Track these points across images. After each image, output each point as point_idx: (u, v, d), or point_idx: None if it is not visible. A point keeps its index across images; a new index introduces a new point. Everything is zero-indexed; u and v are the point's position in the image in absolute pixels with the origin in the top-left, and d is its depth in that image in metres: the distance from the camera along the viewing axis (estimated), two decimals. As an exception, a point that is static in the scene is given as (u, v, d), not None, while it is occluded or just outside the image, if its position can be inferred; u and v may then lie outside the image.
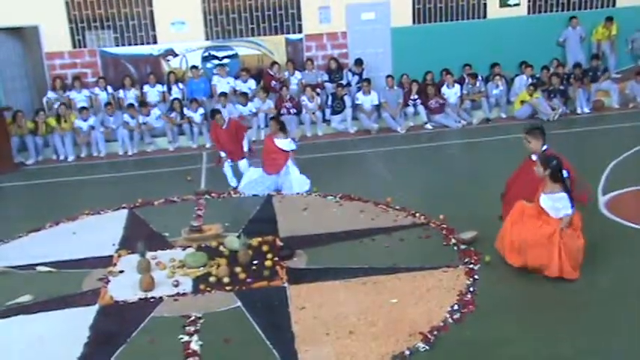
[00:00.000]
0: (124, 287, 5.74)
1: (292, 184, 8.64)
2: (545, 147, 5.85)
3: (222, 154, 9.19)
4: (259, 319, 5.01)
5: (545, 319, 4.84)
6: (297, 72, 13.54)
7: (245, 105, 12.65)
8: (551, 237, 5.32)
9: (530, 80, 13.39)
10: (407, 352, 4.39)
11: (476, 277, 5.55)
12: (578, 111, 13.24)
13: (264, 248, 6.41)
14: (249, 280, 5.74)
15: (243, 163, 9.19)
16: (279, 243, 6.63)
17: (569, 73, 13.73)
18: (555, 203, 5.36)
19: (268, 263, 6.02)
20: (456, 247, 6.25)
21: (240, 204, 8.45)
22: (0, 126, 11.37)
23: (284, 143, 8.80)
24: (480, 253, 5.96)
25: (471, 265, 5.77)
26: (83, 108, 12.36)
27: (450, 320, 4.82)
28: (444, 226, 6.83)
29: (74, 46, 13.35)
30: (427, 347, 4.46)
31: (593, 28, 14.52)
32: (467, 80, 13.54)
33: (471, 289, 5.32)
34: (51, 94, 12.93)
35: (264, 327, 4.88)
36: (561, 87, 13.21)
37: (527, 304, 5.14)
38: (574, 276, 5.35)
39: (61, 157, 12.11)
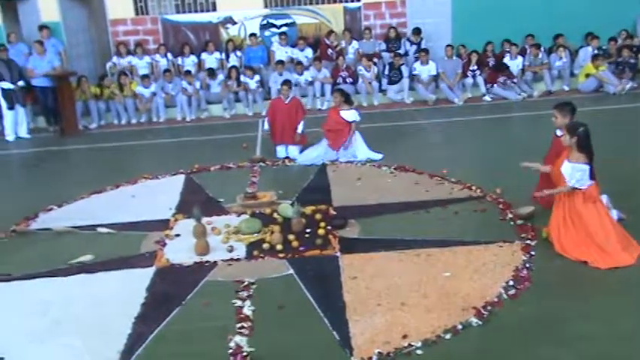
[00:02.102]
0: (179, 251, 5.86)
1: (356, 151, 8.59)
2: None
3: (267, 128, 9.11)
4: (311, 287, 5.04)
5: (603, 296, 4.73)
6: (354, 41, 13.38)
7: (301, 74, 12.61)
8: (589, 234, 5.22)
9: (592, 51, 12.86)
10: (459, 327, 4.35)
11: (532, 253, 5.43)
12: (649, 84, 12.68)
13: (317, 217, 6.43)
14: (301, 248, 5.77)
15: (293, 151, 9.01)
16: (332, 212, 6.63)
17: (638, 45, 13.12)
18: (575, 173, 5.22)
19: (321, 232, 6.04)
20: (512, 222, 6.12)
21: (294, 172, 8.48)
22: (66, 91, 11.69)
23: (349, 114, 8.73)
24: (537, 229, 5.81)
25: (528, 241, 5.64)
26: (145, 76, 12.58)
27: (504, 296, 4.73)
28: (501, 200, 6.69)
29: (137, 14, 13.56)
30: (480, 322, 4.40)
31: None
32: (529, 51, 13.11)
33: (527, 265, 5.21)
34: (115, 60, 13.20)
35: (315, 295, 4.91)
36: (631, 60, 12.63)
37: (586, 281, 4.99)
38: (626, 259, 5.15)
39: (123, 122, 12.40)
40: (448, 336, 4.26)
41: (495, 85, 12.59)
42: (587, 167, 5.22)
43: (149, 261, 5.70)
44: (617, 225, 5.41)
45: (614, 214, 5.61)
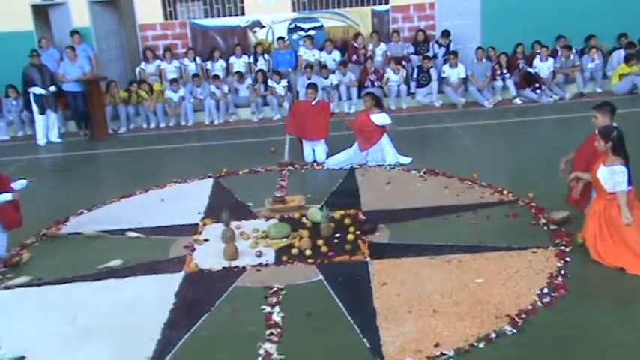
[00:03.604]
0: (208, 255, 5.85)
1: (385, 155, 8.53)
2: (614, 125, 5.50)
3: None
4: (340, 293, 4.99)
5: (641, 306, 4.59)
6: (382, 44, 13.30)
7: (327, 77, 12.57)
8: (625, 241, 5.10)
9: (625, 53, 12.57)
10: (493, 335, 4.25)
11: (567, 259, 5.31)
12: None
13: (347, 221, 6.38)
14: (330, 253, 5.72)
15: (320, 149, 8.95)
16: (361, 217, 6.57)
17: (675, 45, 12.82)
18: (613, 176, 5.08)
19: (350, 237, 5.98)
20: (546, 227, 6.00)
21: (322, 176, 8.43)
22: (96, 95, 11.81)
23: (380, 118, 8.66)
24: (571, 234, 5.68)
25: (562, 247, 5.52)
26: (173, 80, 12.66)
27: (539, 304, 4.63)
28: (533, 204, 6.56)
29: (165, 18, 13.64)
30: (515, 331, 4.31)
31: None
32: (560, 53, 12.89)
33: (562, 271, 5.09)
34: (143, 65, 13.31)
35: (345, 301, 4.85)
36: (666, 61, 12.34)
37: (623, 288, 4.87)
38: None
39: (152, 126, 12.49)
40: (481, 345, 4.17)
41: (525, 89, 12.40)
42: (623, 168, 5.08)
43: (178, 266, 5.70)
44: None
45: None
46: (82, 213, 7.39)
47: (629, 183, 5.16)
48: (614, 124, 5.40)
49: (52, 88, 11.74)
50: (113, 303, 5.10)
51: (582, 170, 5.59)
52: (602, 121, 5.63)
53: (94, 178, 9.39)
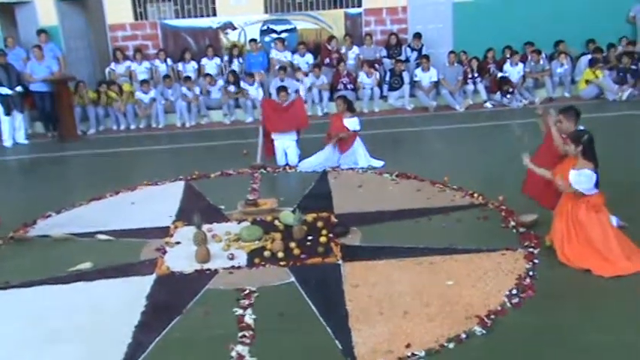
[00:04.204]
0: (180, 258, 5.81)
1: (357, 158, 8.56)
2: (581, 128, 5.62)
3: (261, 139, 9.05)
4: (313, 296, 4.99)
5: (607, 305, 4.68)
6: (355, 47, 13.37)
7: (299, 80, 12.58)
8: (591, 242, 5.21)
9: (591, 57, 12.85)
10: (463, 336, 4.30)
11: (536, 261, 5.38)
12: (648, 92, 12.67)
13: (319, 224, 6.39)
14: (303, 255, 5.72)
15: (292, 151, 8.90)
16: (333, 219, 6.59)
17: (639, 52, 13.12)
18: (580, 178, 5.19)
19: (323, 239, 5.99)
20: (515, 230, 6.08)
21: (295, 179, 8.44)
22: (64, 95, 11.66)
23: (351, 122, 8.68)
24: (540, 237, 5.77)
25: (531, 249, 5.60)
26: (144, 81, 12.55)
27: (508, 305, 4.69)
28: (503, 207, 6.65)
29: (136, 18, 13.54)
30: (484, 331, 4.35)
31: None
32: (530, 58, 13.10)
33: (531, 273, 5.16)
34: (113, 66, 13.17)
35: (317, 303, 4.86)
36: (632, 66, 12.62)
37: (589, 290, 4.95)
38: (629, 268, 5.10)
39: (122, 128, 12.36)
40: (452, 345, 4.21)
41: (496, 93, 12.58)
42: (592, 173, 5.18)
43: (149, 269, 5.65)
44: (620, 234, 5.37)
45: (614, 220, 5.58)
46: (50, 216, 7.28)
47: (597, 186, 5.26)
48: (584, 128, 5.49)
49: (19, 89, 11.56)
50: (83, 306, 5.03)
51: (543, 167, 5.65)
52: (568, 125, 5.74)
53: (63, 180, 9.26)
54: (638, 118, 11.01)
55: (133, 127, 12.41)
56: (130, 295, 5.15)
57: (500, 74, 12.71)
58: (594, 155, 5.24)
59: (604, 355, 4.04)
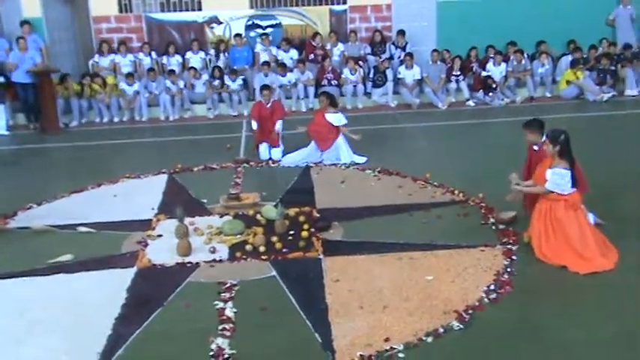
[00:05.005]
0: (161, 251, 5.82)
1: (340, 154, 8.60)
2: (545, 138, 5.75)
3: (255, 127, 9.10)
4: (293, 290, 5.03)
5: (582, 301, 4.77)
6: (339, 43, 13.41)
7: (284, 75, 12.60)
8: (568, 240, 5.30)
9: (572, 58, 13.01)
10: (441, 330, 4.36)
11: (514, 257, 5.46)
12: (627, 93, 12.84)
13: (301, 219, 6.42)
14: (284, 250, 5.76)
15: (276, 153, 8.97)
16: (315, 214, 6.62)
17: (619, 54, 13.29)
18: (556, 178, 5.30)
19: (304, 234, 6.03)
20: (494, 227, 6.16)
21: (278, 174, 8.46)
22: (47, 88, 11.57)
23: (335, 118, 8.72)
24: (518, 234, 5.86)
25: (509, 246, 5.68)
26: (129, 74, 12.49)
27: (486, 300, 4.76)
28: (483, 204, 6.73)
29: (120, 11, 13.46)
30: (461, 326, 4.42)
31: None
32: (512, 57, 13.22)
33: (509, 269, 5.24)
34: (97, 58, 13.09)
35: (298, 297, 4.90)
36: (611, 68, 12.80)
37: (565, 286, 5.04)
38: (605, 265, 5.21)
39: (105, 120, 12.30)
40: (430, 339, 4.27)
41: (479, 91, 12.68)
42: (567, 172, 5.28)
43: (130, 261, 5.65)
44: (596, 232, 5.48)
45: (591, 217, 5.68)
46: (30, 207, 7.24)
47: (574, 185, 5.36)
48: (564, 130, 5.57)
49: (1, 79, 11.45)
50: (63, 298, 5.02)
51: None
52: (534, 137, 5.95)
53: (44, 172, 9.19)
54: (617, 118, 11.16)
55: (116, 119, 12.36)
56: (110, 288, 5.15)
57: (484, 73, 12.82)
58: (570, 154, 5.35)
59: (577, 351, 4.12)
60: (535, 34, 13.55)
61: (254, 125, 9.15)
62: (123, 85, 12.35)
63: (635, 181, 7.33)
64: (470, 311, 4.59)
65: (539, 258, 5.39)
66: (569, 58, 13.17)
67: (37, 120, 11.80)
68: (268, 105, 9.17)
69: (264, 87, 9.50)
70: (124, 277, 5.34)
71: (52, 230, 6.49)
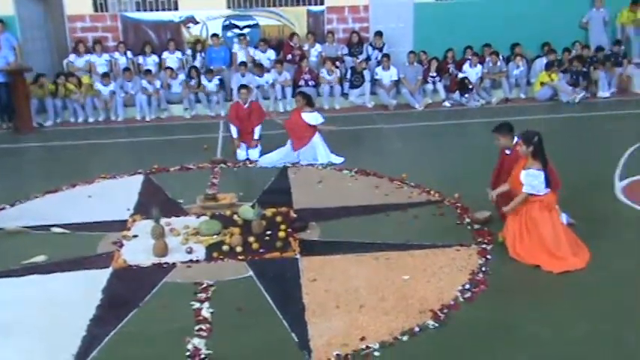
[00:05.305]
0: (137, 252, 5.78)
1: (317, 154, 8.62)
2: (515, 140, 5.85)
3: (235, 135, 9.10)
4: (270, 290, 5.03)
5: (557, 300, 4.85)
6: (317, 44, 13.43)
7: (261, 76, 12.59)
8: (542, 240, 5.38)
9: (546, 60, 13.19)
10: (416, 329, 4.40)
11: (488, 256, 5.53)
12: (600, 94, 13.05)
13: (278, 219, 6.43)
14: (261, 250, 5.76)
15: (253, 153, 8.97)
16: (292, 214, 6.63)
17: (591, 56, 13.50)
18: (530, 179, 5.38)
19: (281, 234, 6.04)
20: (469, 227, 6.23)
21: (255, 174, 8.45)
22: (20, 87, 11.41)
23: (311, 117, 8.73)
24: (493, 233, 5.93)
25: (484, 245, 5.75)
26: (104, 74, 12.38)
27: (461, 299, 4.81)
28: (459, 204, 6.80)
29: (96, 10, 13.32)
30: (437, 325, 4.47)
31: (617, 11, 14.19)
32: (488, 59, 13.36)
33: (484, 268, 5.31)
34: (71, 57, 12.95)
35: (274, 297, 4.90)
36: (584, 69, 13.00)
37: (540, 285, 5.12)
38: (577, 264, 5.31)
39: (80, 120, 12.18)
40: (405, 338, 4.31)
41: (455, 92, 12.80)
42: (540, 173, 5.37)
43: (105, 262, 5.61)
44: (568, 231, 5.57)
45: (564, 218, 5.78)
46: (3, 208, 7.15)
47: (547, 186, 5.44)
48: (537, 131, 5.66)
49: (-27, 78, 11.28)
50: (37, 299, 4.97)
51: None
52: (505, 141, 6.03)
53: (17, 172, 9.07)
54: (590, 119, 11.34)
55: (91, 119, 12.23)
56: (85, 289, 5.11)
57: (460, 74, 12.93)
58: (543, 155, 5.44)
59: (549, 348, 4.19)
60: (510, 37, 13.69)
61: (234, 133, 9.10)
62: (98, 86, 12.23)
63: (605, 182, 7.46)
64: (445, 310, 4.64)
65: (514, 257, 5.47)
66: (544, 60, 13.35)
67: (11, 120, 11.63)
68: (246, 105, 9.15)
69: (242, 87, 9.48)
70: (100, 278, 5.30)
71: (26, 231, 6.41)
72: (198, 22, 13.59)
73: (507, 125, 6.13)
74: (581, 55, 13.30)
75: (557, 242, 5.37)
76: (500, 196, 5.85)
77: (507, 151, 6.08)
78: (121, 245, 5.97)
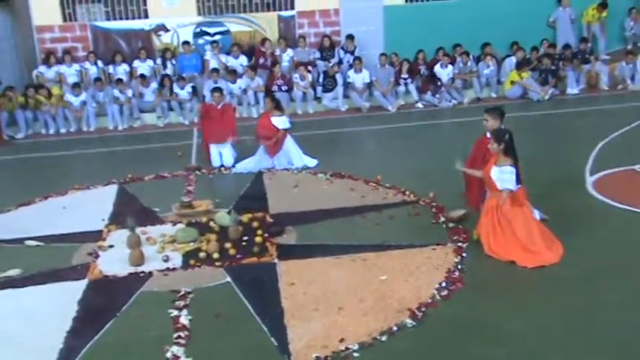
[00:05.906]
0: (113, 262, 5.74)
1: (292, 157, 8.64)
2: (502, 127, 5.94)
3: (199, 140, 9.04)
4: (249, 295, 5.04)
5: (530, 295, 4.95)
6: (289, 49, 13.45)
7: (234, 82, 12.56)
8: (515, 235, 5.47)
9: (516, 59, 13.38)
10: (395, 328, 4.44)
11: (464, 254, 5.60)
12: (569, 91, 13.26)
13: (255, 224, 6.43)
14: (238, 255, 5.75)
15: (227, 152, 8.92)
16: (269, 219, 6.64)
17: (559, 54, 13.72)
18: (503, 175, 5.47)
19: (258, 239, 6.04)
20: (445, 225, 6.29)
21: (230, 180, 8.44)
22: (-11, 100, 11.26)
23: (280, 121, 8.75)
24: (468, 231, 6.00)
25: (460, 243, 5.82)
26: (75, 84, 12.25)
27: (438, 297, 4.87)
28: (434, 204, 6.86)
29: (65, 20, 13.17)
30: (415, 323, 4.51)
31: (583, 10, 14.46)
32: (459, 59, 13.50)
33: (459, 266, 5.37)
34: (41, 69, 12.80)
35: (253, 302, 4.91)
36: (552, 67, 13.20)
37: (515, 281, 5.20)
38: (551, 258, 5.40)
39: (51, 132, 12.04)
40: (384, 338, 4.35)
41: (427, 93, 12.91)
42: (512, 169, 5.45)
43: (81, 273, 5.56)
44: (541, 226, 5.67)
45: (537, 214, 5.87)
46: (-24, 222, 7.05)
47: (518, 182, 5.53)
48: (505, 128, 5.78)
49: (-59, 92, 11.09)
50: (12, 313, 4.92)
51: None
52: (493, 123, 6.04)
53: (-11, 186, 8.95)
54: (559, 116, 11.51)
55: (63, 130, 12.08)
56: (61, 301, 5.07)
57: (433, 73, 13.03)
58: (514, 152, 5.54)
59: (526, 342, 4.25)
60: (480, 37, 13.85)
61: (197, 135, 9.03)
62: (69, 97, 12.09)
63: (576, 178, 7.58)
64: (423, 308, 4.70)
65: (489, 254, 5.54)
66: (513, 59, 13.52)
67: (-20, 133, 11.46)
68: (219, 107, 9.14)
69: (216, 89, 9.46)
70: (75, 289, 5.26)
71: (-1, 245, 6.33)
72: (168, 30, 13.52)
73: (499, 109, 6.21)
74: (550, 53, 13.51)
75: (531, 237, 5.46)
76: (470, 179, 5.97)
77: (489, 135, 6.09)
78: (97, 256, 5.92)
